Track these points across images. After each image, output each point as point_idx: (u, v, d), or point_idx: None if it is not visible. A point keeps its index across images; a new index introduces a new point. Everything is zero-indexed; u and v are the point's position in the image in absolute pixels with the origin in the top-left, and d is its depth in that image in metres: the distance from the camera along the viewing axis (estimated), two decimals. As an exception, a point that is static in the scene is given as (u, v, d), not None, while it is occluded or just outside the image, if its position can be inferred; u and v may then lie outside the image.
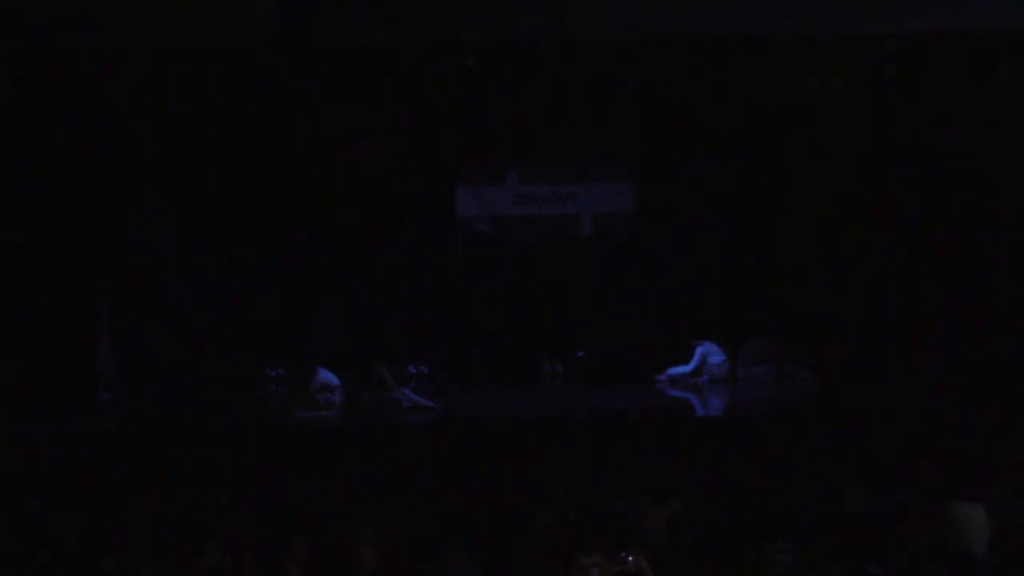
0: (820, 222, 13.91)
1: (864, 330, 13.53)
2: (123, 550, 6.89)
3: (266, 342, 13.87)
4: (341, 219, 14.32)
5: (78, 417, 10.59)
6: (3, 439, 9.62)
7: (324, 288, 14.14)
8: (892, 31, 11.04)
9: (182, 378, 13.31)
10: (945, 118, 13.05)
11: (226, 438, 10.48)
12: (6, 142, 12.23)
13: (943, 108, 13.00)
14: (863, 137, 13.55)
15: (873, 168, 13.63)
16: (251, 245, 14.09)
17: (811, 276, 13.87)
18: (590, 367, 14.30)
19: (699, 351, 13.74)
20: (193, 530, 7.21)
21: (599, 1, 10.67)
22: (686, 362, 13.74)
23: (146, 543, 6.95)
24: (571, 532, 6.77)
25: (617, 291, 14.31)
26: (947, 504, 7.29)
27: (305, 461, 9.87)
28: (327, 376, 12.27)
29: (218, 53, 11.58)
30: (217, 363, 13.54)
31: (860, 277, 13.83)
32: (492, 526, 7.20)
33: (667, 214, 14.46)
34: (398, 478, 9.53)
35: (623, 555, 6.19)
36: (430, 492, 8.61)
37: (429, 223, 14.65)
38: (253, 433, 10.81)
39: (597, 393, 12.96)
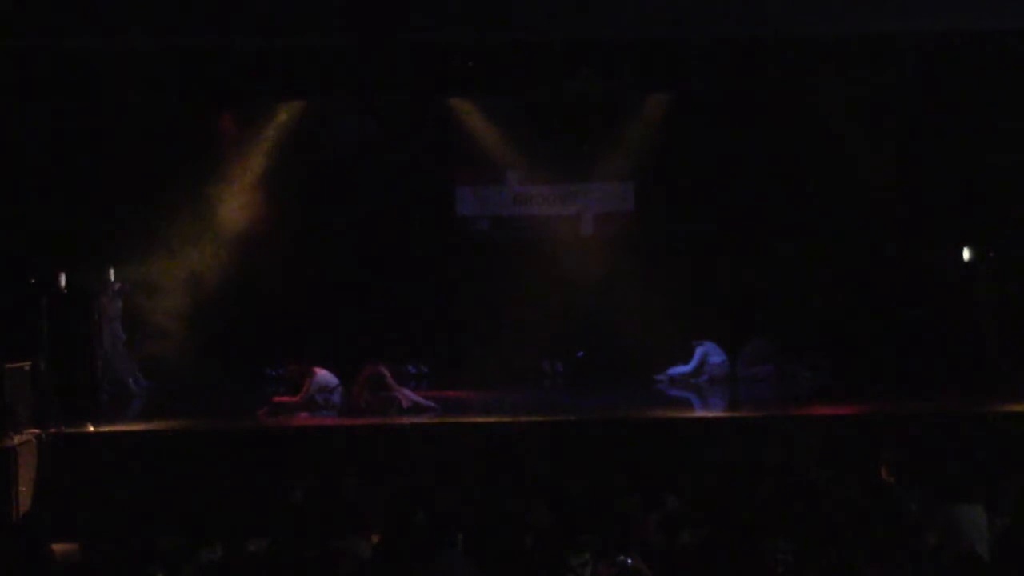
0: (820, 222, 13.92)
1: (863, 330, 13.53)
2: (125, 549, 6.89)
3: (266, 342, 13.86)
4: (341, 219, 14.30)
5: (78, 417, 10.59)
6: (2, 438, 9.62)
7: (324, 288, 14.13)
8: (896, 31, 11.04)
9: (183, 378, 13.33)
10: (945, 118, 13.07)
11: (226, 438, 10.48)
12: (7, 141, 12.25)
13: (943, 108, 13.02)
14: (863, 137, 13.56)
15: (873, 168, 13.63)
16: (250, 245, 14.10)
17: (811, 276, 13.87)
18: (590, 367, 14.30)
19: (699, 351, 13.75)
20: (195, 528, 7.21)
21: (599, 1, 10.67)
22: (686, 362, 13.75)
23: (148, 542, 6.95)
24: (570, 532, 6.76)
25: (617, 291, 14.28)
26: (947, 504, 7.31)
27: (305, 461, 9.87)
28: (327, 376, 12.25)
29: (218, 52, 11.59)
30: (217, 363, 13.55)
31: (860, 277, 13.83)
32: (491, 526, 7.20)
33: (667, 214, 14.45)
34: (398, 478, 9.54)
35: (621, 557, 6.19)
36: (430, 492, 8.61)
37: (429, 223, 14.63)
38: (253, 433, 10.81)
39: (597, 393, 12.95)
